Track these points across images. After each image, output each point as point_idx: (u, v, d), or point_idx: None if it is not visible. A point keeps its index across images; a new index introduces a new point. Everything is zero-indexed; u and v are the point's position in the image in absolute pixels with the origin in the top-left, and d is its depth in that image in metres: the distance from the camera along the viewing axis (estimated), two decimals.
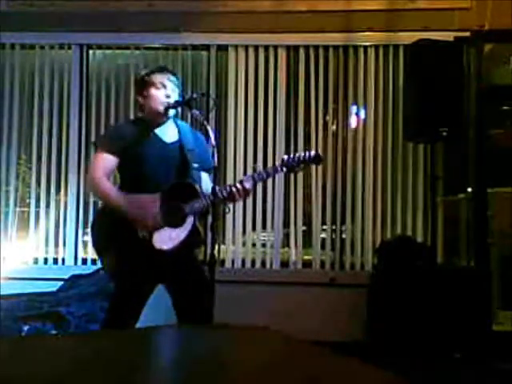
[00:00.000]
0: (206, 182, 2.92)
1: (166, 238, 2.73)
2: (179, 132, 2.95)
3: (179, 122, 3.05)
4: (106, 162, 2.81)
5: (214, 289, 2.56)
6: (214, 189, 2.68)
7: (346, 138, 4.79)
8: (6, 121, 4.87)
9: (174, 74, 2.98)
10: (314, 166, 4.67)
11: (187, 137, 2.94)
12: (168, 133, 2.92)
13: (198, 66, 4.92)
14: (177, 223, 2.76)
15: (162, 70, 3.00)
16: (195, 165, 2.85)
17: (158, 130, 2.90)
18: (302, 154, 2.89)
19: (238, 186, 2.80)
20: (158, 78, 2.89)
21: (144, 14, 4.73)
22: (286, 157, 2.89)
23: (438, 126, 4.00)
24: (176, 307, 2.84)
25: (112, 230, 2.79)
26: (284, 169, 2.87)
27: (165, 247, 2.72)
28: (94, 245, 2.92)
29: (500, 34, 4.59)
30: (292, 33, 4.72)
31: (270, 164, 4.73)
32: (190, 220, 2.78)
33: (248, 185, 2.82)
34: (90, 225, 3.06)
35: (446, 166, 4.61)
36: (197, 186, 2.82)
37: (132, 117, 4.38)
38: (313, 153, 2.91)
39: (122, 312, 2.81)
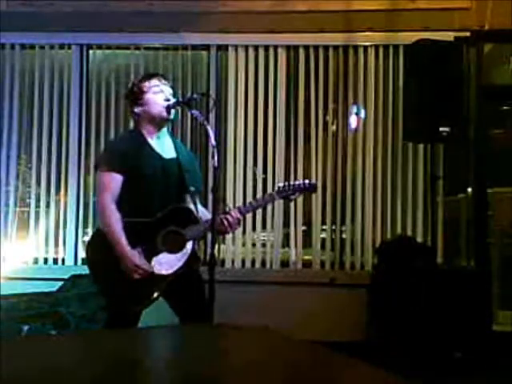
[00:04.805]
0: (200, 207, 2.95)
1: (166, 263, 2.72)
2: (176, 148, 2.93)
3: (174, 137, 3.04)
4: (114, 182, 2.75)
5: (213, 288, 2.56)
6: (213, 214, 2.66)
7: (346, 138, 4.80)
8: (6, 121, 4.87)
9: (166, 79, 2.97)
10: (314, 165, 4.74)
11: (184, 155, 2.94)
12: (165, 147, 2.90)
13: (197, 66, 4.93)
14: (177, 249, 2.75)
15: (155, 75, 2.97)
16: (192, 188, 2.84)
17: (155, 144, 2.86)
18: (298, 183, 2.93)
19: (229, 218, 2.79)
20: (153, 83, 2.87)
21: (144, 14, 4.73)
22: (281, 185, 2.92)
23: (438, 126, 3.99)
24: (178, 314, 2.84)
25: (108, 254, 2.71)
26: (279, 197, 2.91)
27: (164, 272, 2.71)
28: (90, 266, 2.82)
29: (500, 34, 4.60)
30: (292, 33, 4.72)
31: (269, 164, 4.76)
32: (189, 245, 2.78)
33: (240, 216, 2.83)
34: (86, 243, 2.98)
35: (446, 166, 4.61)
36: (194, 211, 2.82)
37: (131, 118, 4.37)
38: (307, 181, 2.96)
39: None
